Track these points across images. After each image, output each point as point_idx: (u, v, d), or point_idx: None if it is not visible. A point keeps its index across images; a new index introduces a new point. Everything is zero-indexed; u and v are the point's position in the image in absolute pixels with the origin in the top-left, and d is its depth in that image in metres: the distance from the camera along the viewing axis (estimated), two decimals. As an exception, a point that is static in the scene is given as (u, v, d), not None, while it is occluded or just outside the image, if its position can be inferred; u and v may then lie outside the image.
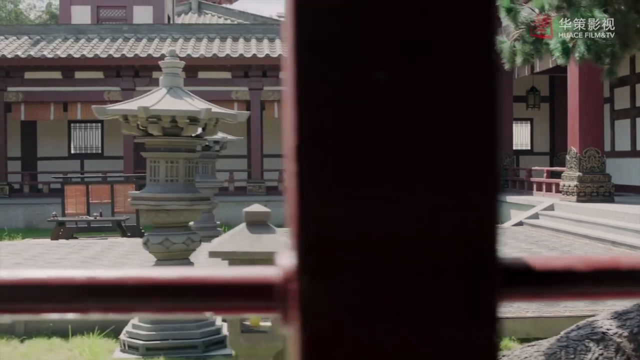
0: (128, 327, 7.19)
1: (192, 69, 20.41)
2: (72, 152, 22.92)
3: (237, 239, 4.13)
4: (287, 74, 0.49)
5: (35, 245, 13.25)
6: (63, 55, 19.84)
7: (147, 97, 7.19)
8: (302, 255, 0.49)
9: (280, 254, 0.52)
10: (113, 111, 6.95)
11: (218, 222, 14.77)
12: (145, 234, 7.37)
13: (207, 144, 13.66)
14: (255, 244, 4.08)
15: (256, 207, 4.28)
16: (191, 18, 36.06)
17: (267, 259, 3.97)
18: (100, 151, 22.88)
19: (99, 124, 22.64)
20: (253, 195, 19.71)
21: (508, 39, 6.89)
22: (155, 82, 20.29)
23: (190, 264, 7.31)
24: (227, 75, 20.55)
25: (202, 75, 20.51)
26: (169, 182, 7.11)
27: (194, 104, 7.01)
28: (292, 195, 0.49)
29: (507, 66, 6.90)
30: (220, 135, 13.89)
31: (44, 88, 20.50)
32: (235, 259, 4.08)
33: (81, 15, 27.31)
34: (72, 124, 22.69)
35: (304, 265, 0.49)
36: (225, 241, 4.16)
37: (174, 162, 7.12)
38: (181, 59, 7.10)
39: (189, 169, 7.24)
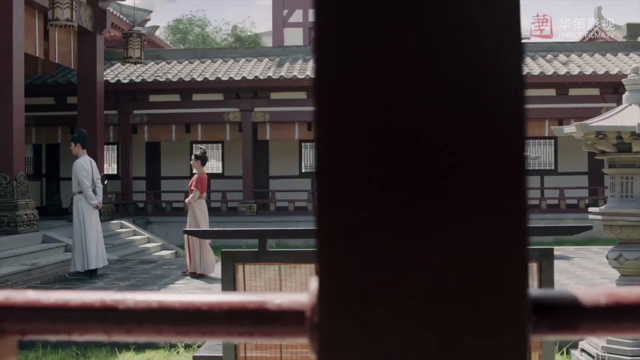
0: (600, 342, 7.21)
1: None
2: (303, 171, 23.38)
3: None
4: None
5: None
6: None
7: (618, 114, 7.27)
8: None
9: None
10: (599, 127, 7.04)
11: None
12: (612, 249, 7.41)
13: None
14: None
15: None
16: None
17: None
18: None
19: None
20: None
21: None
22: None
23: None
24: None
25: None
26: (643, 198, 7.17)
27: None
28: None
29: None
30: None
31: (288, 108, 21.03)
32: None
33: (293, 36, 28.09)
34: (302, 143, 23.14)
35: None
36: None
37: (647, 178, 7.18)
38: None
39: (656, 185, 7.27)
